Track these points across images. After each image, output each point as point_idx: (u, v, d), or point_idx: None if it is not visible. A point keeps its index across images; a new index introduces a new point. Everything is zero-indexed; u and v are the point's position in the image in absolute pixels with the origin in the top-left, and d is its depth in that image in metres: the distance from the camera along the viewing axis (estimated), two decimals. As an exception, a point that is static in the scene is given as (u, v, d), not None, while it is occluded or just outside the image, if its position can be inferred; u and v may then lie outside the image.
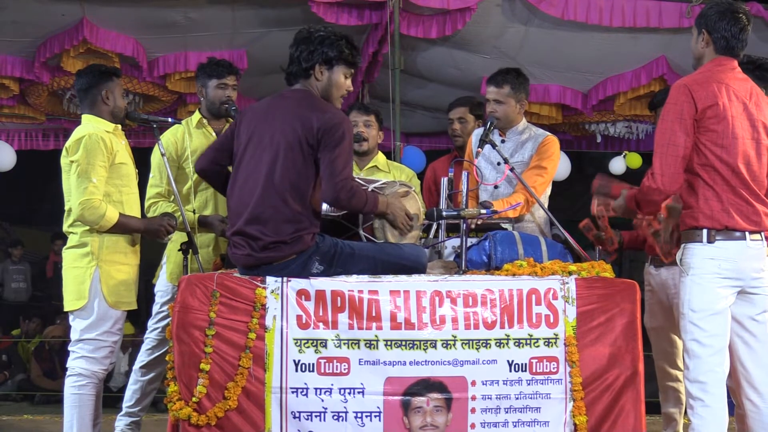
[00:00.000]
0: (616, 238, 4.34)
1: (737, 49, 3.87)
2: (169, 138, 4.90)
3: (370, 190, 3.98)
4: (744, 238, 3.76)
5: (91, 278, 4.30)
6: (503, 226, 4.37)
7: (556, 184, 4.93)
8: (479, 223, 4.29)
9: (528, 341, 3.82)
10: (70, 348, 4.38)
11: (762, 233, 3.82)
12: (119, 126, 4.54)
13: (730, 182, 3.76)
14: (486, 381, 3.79)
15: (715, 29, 3.84)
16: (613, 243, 4.33)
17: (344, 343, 3.76)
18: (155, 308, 4.96)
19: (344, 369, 3.75)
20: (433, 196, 5.12)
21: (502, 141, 4.80)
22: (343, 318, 3.76)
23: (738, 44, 3.86)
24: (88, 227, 4.31)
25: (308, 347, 3.75)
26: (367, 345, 3.76)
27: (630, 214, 4.08)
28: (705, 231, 3.76)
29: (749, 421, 3.85)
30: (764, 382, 3.82)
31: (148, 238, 4.54)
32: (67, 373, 4.35)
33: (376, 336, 3.76)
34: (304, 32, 3.94)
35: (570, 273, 3.92)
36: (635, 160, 9.22)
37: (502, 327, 3.81)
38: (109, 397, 5.95)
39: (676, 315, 4.68)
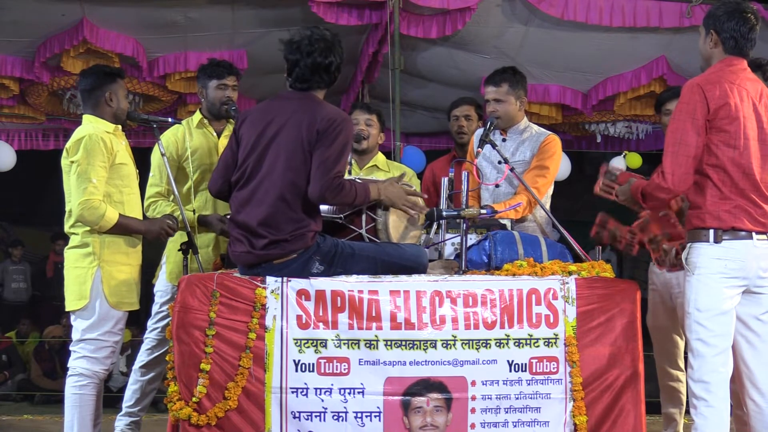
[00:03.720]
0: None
1: (746, 48, 3.84)
2: (170, 138, 4.91)
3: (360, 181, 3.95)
4: (750, 238, 3.74)
5: (92, 278, 4.29)
6: (502, 222, 4.36)
7: (556, 184, 4.92)
8: (477, 221, 4.29)
9: (528, 341, 3.82)
10: (71, 348, 4.38)
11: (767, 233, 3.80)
12: (119, 126, 4.54)
13: (739, 184, 3.73)
14: (486, 381, 3.78)
15: (723, 29, 3.81)
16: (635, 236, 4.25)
17: (344, 343, 3.76)
18: (155, 308, 4.96)
19: (344, 369, 3.75)
20: (432, 196, 5.11)
21: (503, 140, 4.80)
22: (343, 318, 3.76)
23: (747, 44, 3.83)
24: (89, 228, 4.31)
25: (308, 347, 3.75)
26: (367, 345, 3.76)
27: (632, 204, 4.01)
28: (712, 231, 3.73)
29: (752, 421, 3.83)
30: (767, 382, 3.80)
31: (148, 239, 4.54)
32: (68, 373, 4.35)
33: (376, 336, 3.76)
34: (328, 41, 3.86)
35: (570, 273, 3.92)
36: (635, 160, 9.21)
37: (502, 327, 3.81)
38: (109, 397, 5.94)
39: (679, 315, 4.68)
